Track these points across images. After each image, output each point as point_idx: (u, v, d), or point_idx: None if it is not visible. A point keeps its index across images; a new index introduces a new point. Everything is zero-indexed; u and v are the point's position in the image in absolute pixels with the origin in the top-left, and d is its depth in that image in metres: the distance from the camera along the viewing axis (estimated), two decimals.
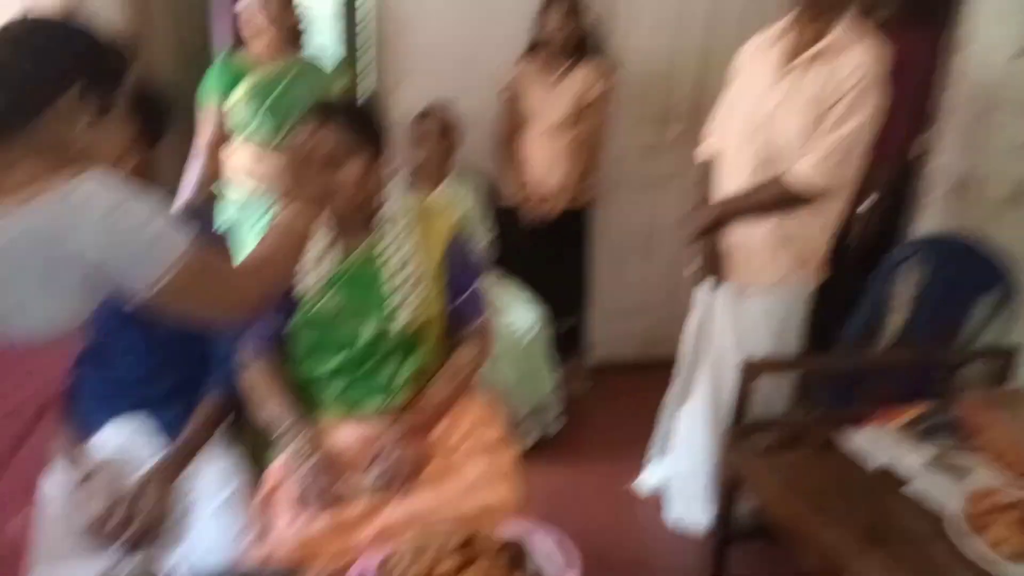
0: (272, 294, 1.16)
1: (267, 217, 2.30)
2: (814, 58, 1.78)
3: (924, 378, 2.10)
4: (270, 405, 1.49)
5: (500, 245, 2.75)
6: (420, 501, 1.37)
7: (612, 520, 2.33)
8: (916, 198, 2.42)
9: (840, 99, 1.74)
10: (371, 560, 1.22)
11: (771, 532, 1.99)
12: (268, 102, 2.37)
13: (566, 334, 2.91)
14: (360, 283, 1.50)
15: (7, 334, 0.92)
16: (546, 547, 1.26)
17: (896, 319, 2.43)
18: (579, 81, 2.66)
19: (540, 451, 2.54)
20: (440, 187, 2.61)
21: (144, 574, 1.13)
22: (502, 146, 2.80)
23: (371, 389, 1.53)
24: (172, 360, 1.55)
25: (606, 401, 3.02)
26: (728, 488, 1.93)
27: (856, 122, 1.74)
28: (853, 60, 1.72)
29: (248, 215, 2.44)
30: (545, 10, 2.61)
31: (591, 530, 2.13)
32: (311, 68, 2.50)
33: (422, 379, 1.56)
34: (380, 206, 1.50)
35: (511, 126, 2.77)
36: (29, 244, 0.90)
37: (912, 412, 1.89)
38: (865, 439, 1.84)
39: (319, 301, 1.49)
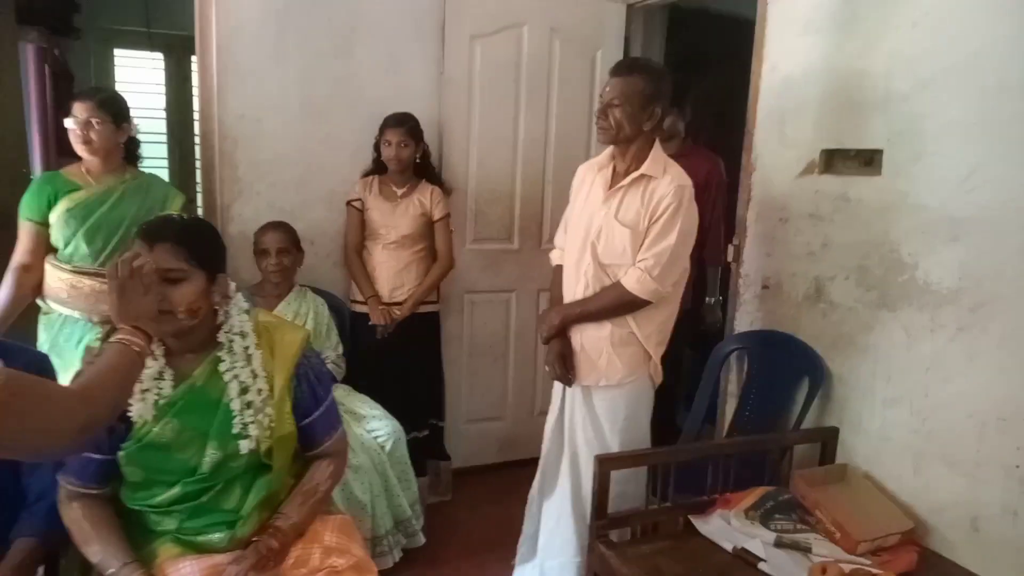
0: (98, 423, 1.08)
1: (88, 337, 2.16)
2: (633, 183, 2.02)
3: (761, 461, 2.27)
4: (96, 546, 1.34)
5: (352, 358, 2.72)
6: None
7: None
8: (734, 297, 2.69)
9: (655, 220, 1.98)
10: None
11: None
12: (89, 223, 2.24)
13: (425, 442, 2.88)
14: (199, 407, 1.41)
15: None
16: None
17: (729, 408, 2.65)
18: (419, 201, 2.82)
19: (403, 566, 2.44)
20: (284, 301, 2.58)
21: None
22: (351, 255, 2.84)
23: (214, 520, 1.42)
24: None
25: (469, 507, 2.98)
26: None
27: (671, 239, 1.97)
28: (663, 188, 1.98)
29: (68, 335, 2.27)
30: (384, 134, 2.76)
31: None
32: (141, 186, 2.38)
33: (271, 504, 1.47)
34: (218, 326, 1.45)
35: (358, 237, 2.83)
36: None
37: (754, 495, 2.04)
38: (716, 524, 1.95)
39: (152, 429, 1.37)
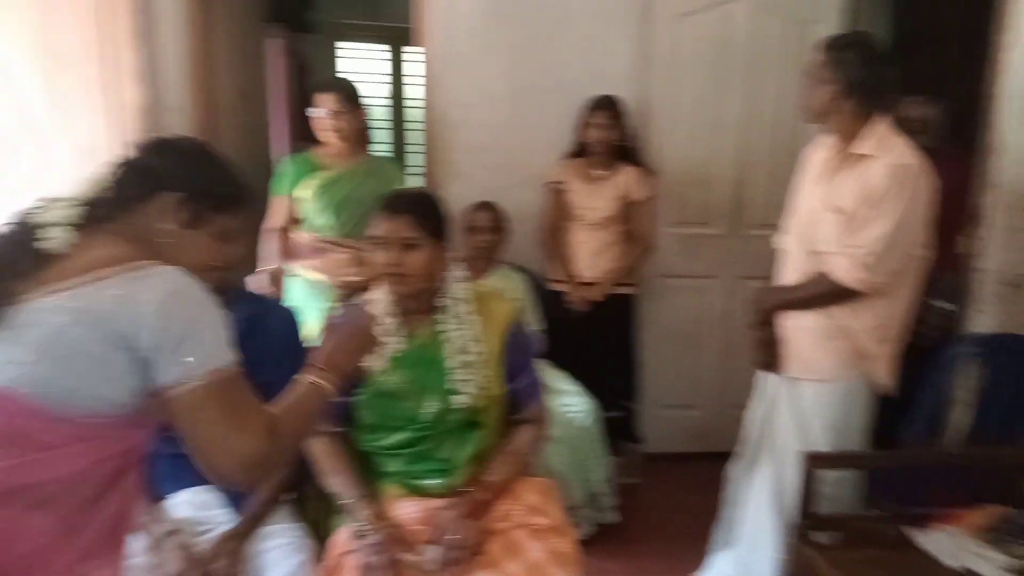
0: (273, 457, 1.05)
1: (327, 301, 2.43)
2: (847, 163, 1.86)
3: (991, 477, 2.03)
4: (335, 478, 1.53)
5: (549, 335, 2.81)
6: None
7: None
8: (966, 295, 2.41)
9: (869, 203, 1.79)
10: None
11: None
12: (337, 199, 2.55)
13: (618, 423, 2.90)
14: (423, 363, 1.55)
15: (70, 410, 0.95)
16: None
17: (960, 417, 2.38)
18: (621, 183, 2.82)
19: (597, 540, 2.50)
20: (488, 278, 2.70)
21: None
22: (549, 236, 2.92)
23: (431, 467, 1.55)
24: None
25: (661, 492, 2.97)
26: None
27: (887, 224, 1.77)
28: (879, 168, 1.79)
29: (310, 300, 2.56)
30: (587, 117, 2.79)
31: None
32: (375, 167, 2.71)
33: (481, 460, 1.58)
34: (442, 291, 1.58)
35: (557, 218, 2.90)
36: (87, 324, 0.94)
37: (984, 515, 1.84)
38: (939, 540, 1.78)
39: (383, 378, 1.54)
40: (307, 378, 1.17)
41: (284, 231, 2.60)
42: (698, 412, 3.29)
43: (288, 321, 1.71)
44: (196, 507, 1.52)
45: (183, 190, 1.10)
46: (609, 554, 2.47)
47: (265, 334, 1.60)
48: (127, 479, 1.05)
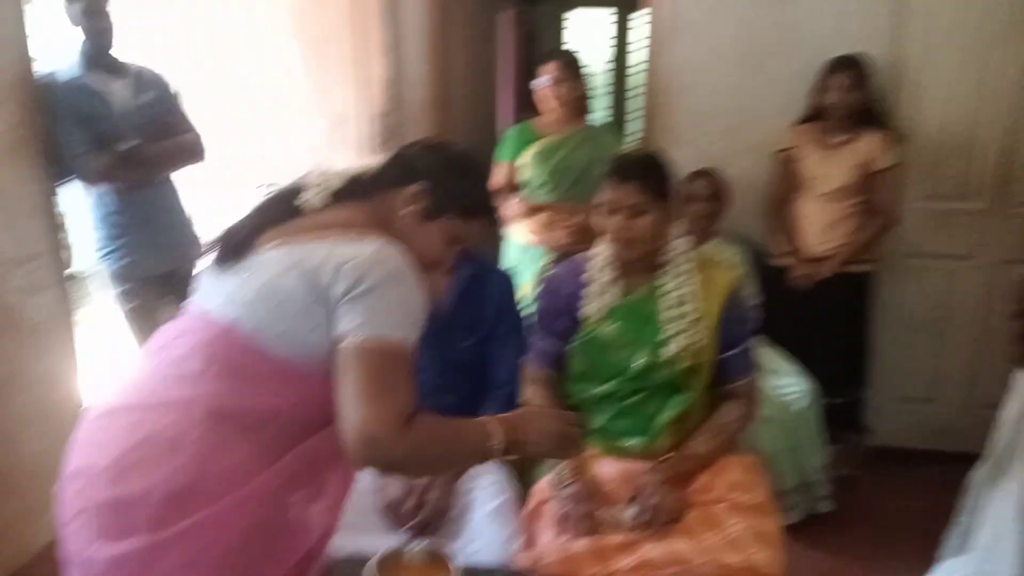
0: (388, 456, 0.99)
1: (540, 264, 2.53)
2: None
3: None
4: None
5: (768, 312, 2.66)
6: (680, 545, 1.36)
7: None
8: None
9: None
10: None
11: None
12: (552, 166, 2.64)
13: (841, 410, 2.69)
14: (638, 315, 1.57)
15: (282, 352, 1.03)
16: None
17: None
18: (862, 150, 2.56)
19: (805, 529, 2.36)
20: (705, 247, 2.62)
21: (429, 555, 1.26)
22: (774, 207, 2.75)
23: (633, 425, 1.56)
24: (459, 379, 1.74)
25: (883, 488, 2.71)
26: None
27: None
28: None
29: (526, 262, 2.68)
30: (826, 79, 2.56)
31: None
32: (593, 135, 2.74)
33: (683, 426, 1.56)
34: (665, 249, 1.57)
35: (785, 188, 2.72)
36: (299, 274, 1.02)
37: None
38: None
39: (597, 327, 1.58)
40: (490, 422, 1.11)
41: (503, 196, 2.71)
42: (937, 408, 2.94)
43: (505, 283, 1.81)
44: None
45: (433, 185, 1.17)
46: (819, 543, 2.32)
47: (483, 294, 1.72)
48: (329, 425, 1.04)
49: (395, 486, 1.50)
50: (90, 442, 1.03)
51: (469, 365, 1.74)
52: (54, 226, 2.12)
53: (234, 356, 1.03)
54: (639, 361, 1.54)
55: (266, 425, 1.03)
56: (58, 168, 2.15)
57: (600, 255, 1.61)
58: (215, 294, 1.09)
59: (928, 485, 2.25)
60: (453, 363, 1.72)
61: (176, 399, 1.01)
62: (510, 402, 1.73)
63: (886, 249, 2.77)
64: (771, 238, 2.76)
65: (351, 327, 1.00)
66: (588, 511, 1.42)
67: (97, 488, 0.97)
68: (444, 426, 1.09)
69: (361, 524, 1.44)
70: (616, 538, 1.37)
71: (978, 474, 2.00)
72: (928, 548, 2.18)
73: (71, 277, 2.33)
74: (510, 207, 2.72)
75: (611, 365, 1.58)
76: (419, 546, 1.28)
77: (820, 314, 2.64)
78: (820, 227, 2.64)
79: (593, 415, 1.60)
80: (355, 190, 1.16)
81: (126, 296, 2.46)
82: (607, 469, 1.53)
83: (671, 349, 1.52)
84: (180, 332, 1.10)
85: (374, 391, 0.97)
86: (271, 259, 1.06)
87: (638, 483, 1.46)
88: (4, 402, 1.96)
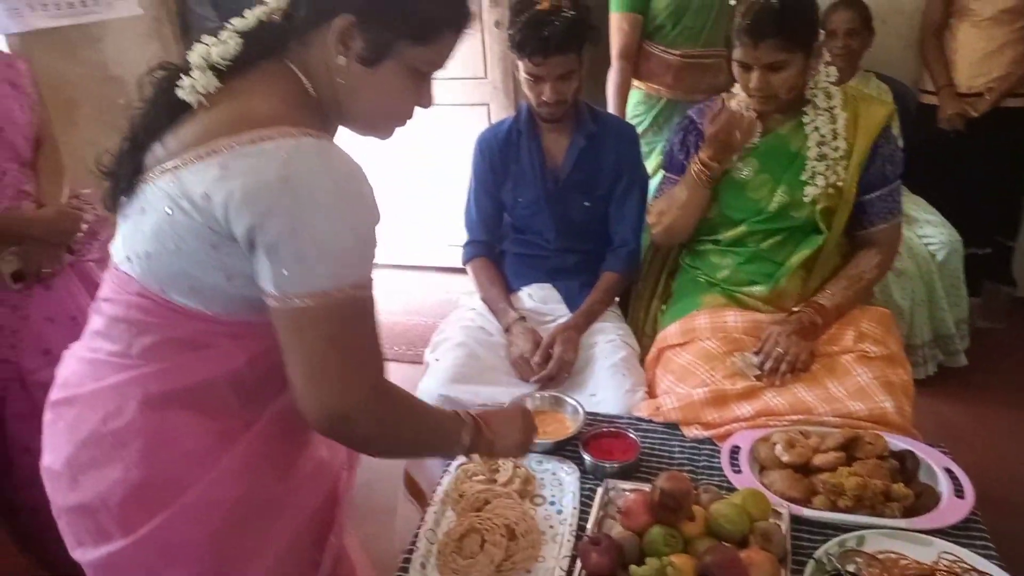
0: (359, 427, 0.83)
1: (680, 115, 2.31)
2: None
3: None
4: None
5: (913, 156, 2.46)
6: (803, 394, 1.37)
7: (1021, 467, 2.03)
8: None
9: None
10: (747, 435, 1.29)
11: None
12: (691, 6, 2.26)
13: (988, 260, 2.53)
14: (778, 154, 1.51)
15: (206, 307, 0.82)
16: (937, 466, 1.18)
17: None
18: None
19: (940, 380, 2.32)
20: (852, 81, 2.41)
21: (553, 405, 1.36)
22: (930, 35, 2.47)
23: (762, 270, 1.54)
24: (578, 240, 1.77)
25: None
26: None
27: None
28: None
29: (667, 116, 2.38)
30: None
31: (992, 471, 1.89)
32: None
33: (813, 271, 1.52)
34: (811, 85, 1.48)
35: (942, 13, 2.43)
36: (186, 211, 0.77)
37: None
38: None
39: (735, 168, 1.54)
40: (465, 420, 1.00)
41: (630, 55, 2.33)
42: None
43: (629, 139, 1.77)
44: (539, 300, 1.74)
45: (363, 12, 0.81)
46: (948, 396, 2.27)
47: (602, 153, 1.69)
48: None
49: (522, 342, 1.59)
50: (48, 441, 0.90)
51: (590, 224, 1.76)
52: None
53: (153, 322, 0.83)
54: (779, 198, 1.50)
55: (216, 394, 0.85)
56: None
57: (739, 95, 1.53)
58: (119, 241, 0.87)
59: None
60: (574, 223, 1.75)
61: (110, 386, 0.84)
62: (632, 260, 1.75)
63: None
64: (927, 70, 2.50)
65: (278, 282, 0.76)
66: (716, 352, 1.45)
67: (61, 494, 0.87)
68: (416, 410, 0.95)
69: (492, 376, 1.56)
70: (737, 386, 1.40)
71: None
72: None
73: None
74: (643, 59, 2.37)
75: (746, 205, 1.54)
76: (546, 395, 1.38)
77: (971, 157, 2.44)
78: (978, 57, 2.38)
79: (719, 263, 1.60)
80: (259, 51, 0.84)
81: None
82: (732, 318, 1.53)
83: (814, 188, 1.46)
84: (106, 292, 0.89)
85: (333, 361, 0.79)
86: (155, 193, 0.80)
87: (765, 332, 1.46)
88: None
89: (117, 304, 0.86)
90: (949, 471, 1.18)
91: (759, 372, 1.41)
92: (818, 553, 1.03)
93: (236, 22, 0.86)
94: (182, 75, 0.83)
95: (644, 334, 1.71)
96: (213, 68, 0.82)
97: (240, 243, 0.77)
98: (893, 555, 1.03)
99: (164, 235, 0.79)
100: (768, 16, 1.39)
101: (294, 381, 0.81)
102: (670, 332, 1.57)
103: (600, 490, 1.17)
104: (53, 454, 0.88)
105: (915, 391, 1.44)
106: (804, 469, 1.20)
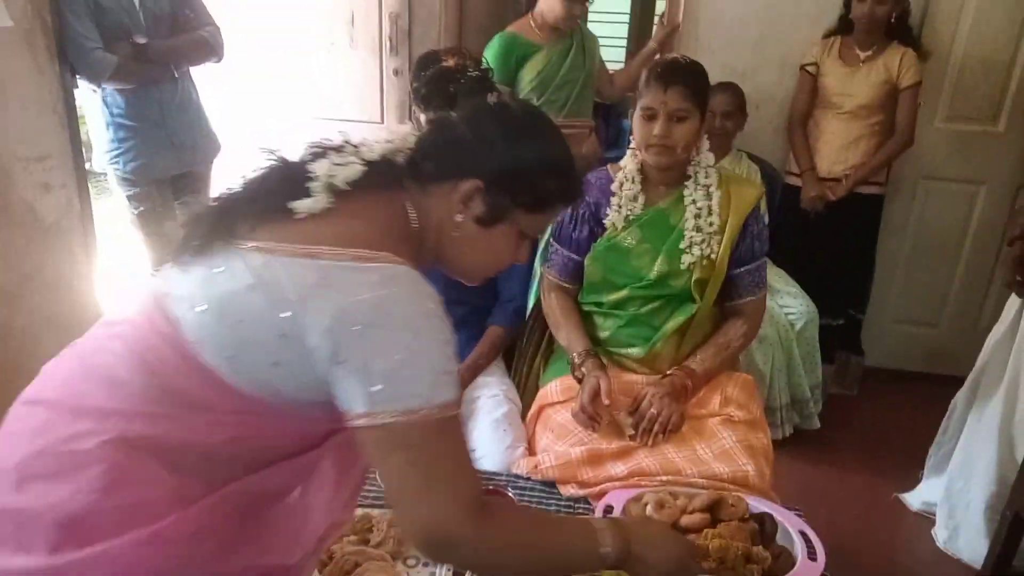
0: (466, 552, 0.82)
1: None
2: None
3: None
4: (563, 332, 1.63)
5: (778, 232, 2.66)
6: (672, 455, 1.43)
7: (867, 526, 2.19)
8: None
9: None
10: (621, 495, 1.32)
11: None
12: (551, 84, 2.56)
13: (841, 331, 2.75)
14: (658, 226, 1.58)
15: (231, 377, 0.82)
16: (792, 529, 1.26)
17: None
18: (887, 66, 2.51)
19: (795, 443, 2.46)
20: (724, 161, 2.59)
21: None
22: (796, 124, 2.71)
23: (640, 334, 1.60)
24: (465, 293, 1.75)
25: (876, 408, 2.81)
26: (1012, 524, 1.72)
27: None
28: None
29: None
30: None
31: (842, 530, 2.05)
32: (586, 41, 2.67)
33: (686, 337, 1.60)
34: (692, 161, 1.57)
35: (807, 104, 2.67)
36: (265, 296, 0.79)
37: None
38: None
39: (618, 235, 1.60)
40: (600, 524, 0.92)
41: None
42: (936, 331, 2.99)
43: None
44: None
45: (491, 181, 0.88)
46: (805, 458, 2.43)
47: None
48: (268, 467, 0.87)
49: None
50: (7, 432, 0.87)
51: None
52: (71, 123, 2.10)
53: (170, 370, 0.82)
54: (656, 269, 1.57)
55: (189, 456, 0.84)
56: (68, 65, 2.12)
57: (627, 165, 1.61)
58: (171, 281, 0.87)
59: (919, 406, 2.32)
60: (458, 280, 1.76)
61: (94, 407, 0.83)
62: (518, 315, 1.78)
63: (902, 171, 2.76)
64: (793, 154, 2.73)
65: (369, 399, 0.77)
66: (599, 412, 1.47)
67: (2, 493, 0.82)
68: (535, 524, 0.91)
69: None
70: (612, 446, 1.44)
71: (959, 395, 2.07)
72: (912, 466, 2.29)
73: (90, 176, 2.32)
74: None
75: (627, 271, 1.60)
76: None
77: (828, 235, 2.65)
78: (838, 146, 2.62)
79: (603, 323, 1.65)
80: (376, 180, 0.89)
81: (135, 200, 2.45)
82: (613, 378, 1.57)
83: (690, 257, 1.55)
84: (129, 315, 0.89)
85: (428, 481, 0.79)
86: (237, 261, 0.81)
87: (639, 393, 1.51)
88: (23, 302, 2.01)
89: (140, 336, 0.85)
90: (803, 534, 1.25)
91: (632, 432, 1.46)
92: None
93: (363, 151, 0.90)
94: (296, 173, 0.86)
95: (526, 390, 1.74)
96: (331, 188, 0.85)
97: (317, 353, 0.78)
98: None
99: (233, 304, 0.80)
100: (677, 67, 1.53)
101: (391, 501, 0.83)
102: (551, 389, 1.60)
103: None
104: (10, 448, 0.84)
105: (773, 452, 1.52)
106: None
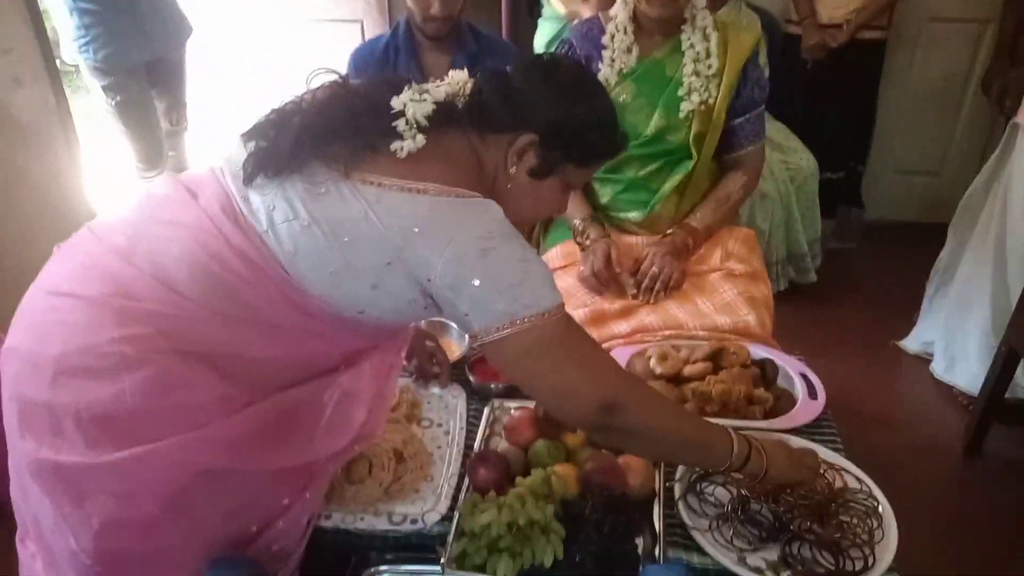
0: (622, 415, 0.86)
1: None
2: None
3: None
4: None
5: (777, 84, 2.57)
6: (674, 311, 1.45)
7: (866, 371, 2.25)
8: None
9: None
10: (625, 351, 1.35)
11: None
12: None
13: (841, 184, 2.73)
14: (654, 79, 1.52)
15: (309, 295, 0.86)
16: (793, 372, 1.29)
17: None
18: None
19: (794, 295, 2.50)
20: (723, 10, 2.46)
21: (439, 330, 1.36)
22: None
23: (639, 198, 1.58)
24: None
25: (874, 259, 2.83)
26: (1007, 358, 1.77)
27: None
28: None
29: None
30: None
31: (841, 376, 2.10)
32: None
33: (686, 195, 1.58)
34: (687, 11, 1.49)
35: None
36: (378, 225, 0.82)
37: None
38: None
39: (612, 91, 1.53)
40: (736, 434, 0.95)
41: None
42: (937, 180, 2.97)
43: (508, 58, 1.73)
44: None
45: (545, 136, 0.92)
46: (804, 311, 2.46)
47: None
48: (313, 380, 0.94)
49: None
50: (36, 320, 0.87)
51: None
52: (33, 13, 1.99)
53: (238, 280, 0.84)
54: (655, 124, 1.52)
55: (241, 370, 0.87)
56: None
57: (619, 14, 1.52)
58: (243, 192, 0.87)
59: (919, 257, 2.32)
60: None
61: (147, 312, 0.83)
62: None
63: (904, 14, 2.63)
64: (792, 1, 2.60)
65: (503, 313, 0.82)
66: (607, 272, 1.47)
67: (34, 383, 0.83)
68: (680, 408, 1.03)
69: None
70: (615, 305, 1.46)
71: (952, 224, 2.09)
72: (909, 313, 2.33)
73: (64, 76, 2.23)
74: None
75: (626, 130, 1.55)
76: (433, 321, 1.37)
77: (829, 85, 2.58)
78: None
79: (600, 188, 1.62)
80: (445, 121, 0.91)
81: (110, 91, 2.37)
82: (615, 239, 1.57)
83: (689, 104, 1.49)
84: (179, 211, 0.88)
85: (583, 361, 0.87)
86: (354, 194, 0.83)
87: (641, 254, 1.52)
88: (10, 203, 1.98)
89: (201, 238, 0.85)
90: (804, 376, 1.28)
91: (635, 291, 1.47)
92: None
93: (430, 88, 0.92)
94: (381, 108, 0.88)
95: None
96: (417, 124, 0.87)
97: (437, 282, 0.83)
98: None
99: (344, 226, 0.83)
100: None
101: (552, 401, 0.90)
102: (552, 255, 1.60)
103: (486, 410, 1.20)
104: (38, 343, 0.84)
105: (775, 302, 1.55)
106: (676, 379, 1.27)
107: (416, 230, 0.82)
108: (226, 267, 0.84)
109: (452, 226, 0.83)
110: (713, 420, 1.05)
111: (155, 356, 0.81)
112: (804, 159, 2.44)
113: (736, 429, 0.97)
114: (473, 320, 0.84)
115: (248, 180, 0.86)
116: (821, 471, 1.04)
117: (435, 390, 1.28)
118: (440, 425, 1.21)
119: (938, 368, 2.16)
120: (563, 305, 0.86)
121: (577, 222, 1.56)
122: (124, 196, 0.90)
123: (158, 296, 0.83)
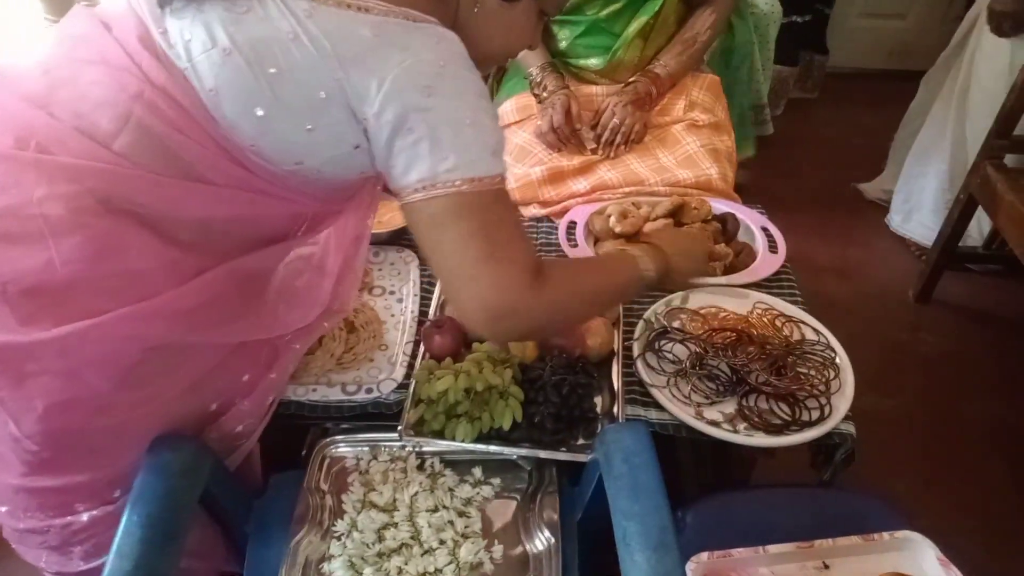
0: (527, 321, 0.78)
1: None
2: None
3: None
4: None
5: None
6: (635, 165, 1.39)
7: (825, 215, 2.25)
8: None
9: None
10: (583, 209, 1.30)
11: (1000, 261, 1.87)
12: None
13: (802, 28, 2.61)
14: None
15: (241, 141, 0.74)
16: (754, 226, 1.26)
17: None
18: None
19: (757, 144, 2.45)
20: None
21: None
22: None
23: (599, 43, 1.47)
24: None
25: (837, 109, 2.77)
26: (962, 204, 1.78)
27: None
28: None
29: None
30: None
31: (801, 226, 2.10)
32: None
33: (650, 39, 1.47)
34: None
35: None
36: (311, 50, 0.69)
37: None
38: None
39: None
40: (639, 253, 0.92)
41: None
42: (903, 23, 2.86)
43: None
44: None
45: None
46: (766, 157, 2.37)
47: None
48: (269, 245, 0.86)
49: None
50: None
51: None
52: None
53: (167, 127, 0.72)
54: None
55: (185, 232, 0.78)
56: None
57: None
58: (157, 21, 0.73)
59: (882, 104, 2.28)
60: None
61: (68, 165, 0.71)
62: None
63: None
64: None
65: (433, 167, 0.71)
66: (567, 126, 1.39)
67: None
68: (582, 271, 0.89)
69: None
70: (573, 162, 1.38)
71: (927, 75, 2.04)
72: (873, 163, 2.30)
73: None
74: None
75: None
76: None
77: None
78: None
79: (560, 32, 1.50)
80: None
81: None
82: (575, 90, 1.47)
83: None
84: (96, 48, 0.75)
85: (490, 250, 0.73)
86: (281, 10, 0.69)
87: (601, 105, 1.43)
88: None
89: (121, 79, 0.72)
90: (765, 229, 1.26)
91: (595, 146, 1.40)
92: (647, 314, 1.09)
93: None
94: None
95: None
96: None
97: (378, 120, 0.71)
98: (713, 309, 1.11)
99: (271, 52, 0.69)
100: None
101: (445, 283, 0.79)
102: (506, 109, 1.50)
103: None
104: None
105: (737, 153, 1.51)
106: (636, 238, 1.23)
107: (354, 55, 0.69)
108: (151, 110, 0.72)
109: (397, 52, 0.69)
110: None
111: (86, 217, 0.71)
112: (769, 2, 2.30)
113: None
114: (397, 174, 0.73)
115: (162, 2, 0.72)
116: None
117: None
118: (392, 293, 1.16)
119: (894, 220, 2.17)
120: (502, 179, 0.75)
121: (534, 71, 1.45)
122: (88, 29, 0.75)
123: (82, 148, 0.71)
